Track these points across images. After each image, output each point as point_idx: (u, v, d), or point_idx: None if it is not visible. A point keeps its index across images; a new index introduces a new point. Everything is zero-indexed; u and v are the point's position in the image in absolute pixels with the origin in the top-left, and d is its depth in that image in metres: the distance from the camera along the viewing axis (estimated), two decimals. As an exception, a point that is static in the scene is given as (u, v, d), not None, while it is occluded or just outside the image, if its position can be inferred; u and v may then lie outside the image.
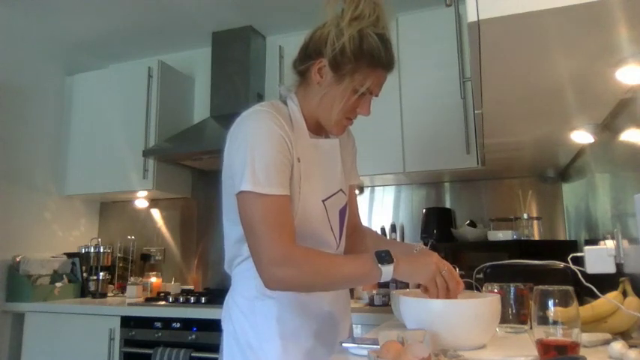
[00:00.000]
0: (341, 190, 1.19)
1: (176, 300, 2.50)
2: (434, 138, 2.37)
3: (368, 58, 1.06)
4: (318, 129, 1.17)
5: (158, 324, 2.34)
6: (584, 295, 1.23)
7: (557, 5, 0.80)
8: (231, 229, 1.10)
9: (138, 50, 3.26)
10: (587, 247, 1.27)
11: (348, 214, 1.25)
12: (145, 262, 3.16)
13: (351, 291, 2.34)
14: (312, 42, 1.11)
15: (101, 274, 2.85)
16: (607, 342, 0.97)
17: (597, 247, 1.27)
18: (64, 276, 2.86)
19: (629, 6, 0.80)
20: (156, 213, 3.26)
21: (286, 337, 1.07)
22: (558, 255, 1.33)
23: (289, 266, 0.96)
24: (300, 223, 1.06)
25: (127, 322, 2.39)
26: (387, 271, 0.96)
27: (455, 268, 1.74)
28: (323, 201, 1.13)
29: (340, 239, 1.20)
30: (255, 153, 1.00)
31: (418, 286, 1.06)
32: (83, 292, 2.87)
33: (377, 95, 1.14)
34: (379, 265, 0.96)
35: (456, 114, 2.32)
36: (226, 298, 1.18)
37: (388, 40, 1.09)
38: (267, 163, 1.00)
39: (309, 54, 1.11)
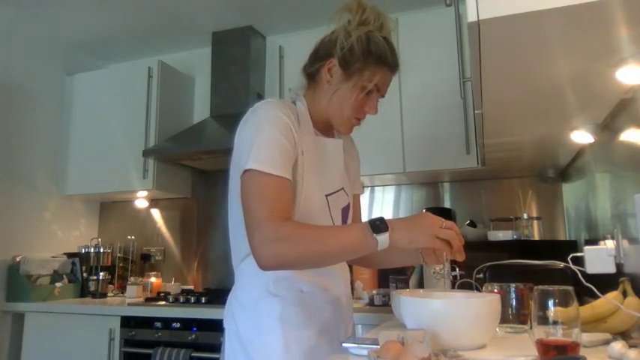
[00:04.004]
0: (343, 189, 1.22)
1: (176, 300, 2.50)
2: (434, 138, 2.37)
3: (375, 56, 1.13)
4: (324, 130, 1.21)
5: (158, 324, 2.34)
6: (584, 295, 1.23)
7: (557, 5, 0.80)
8: (237, 222, 1.11)
9: (138, 50, 3.26)
10: (587, 247, 1.27)
11: (351, 215, 1.27)
12: (145, 262, 3.16)
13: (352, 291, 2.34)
14: (322, 46, 1.19)
15: (101, 274, 2.85)
16: (607, 342, 0.97)
17: (597, 247, 1.27)
18: (64, 276, 2.86)
19: (629, 6, 0.80)
20: (156, 213, 3.26)
21: (289, 335, 1.08)
22: (558, 255, 1.33)
23: (280, 241, 0.96)
24: (302, 215, 1.08)
25: (127, 322, 2.39)
26: (383, 240, 0.94)
27: (455, 269, 1.74)
28: (326, 196, 1.16)
29: None
30: (260, 135, 1.04)
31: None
32: (83, 292, 2.87)
33: (383, 95, 1.19)
34: (374, 234, 0.94)
35: (456, 114, 2.32)
36: (229, 296, 1.19)
37: (392, 44, 1.18)
38: (271, 146, 1.03)
39: (319, 57, 1.18)
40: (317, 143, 1.16)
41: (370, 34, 1.13)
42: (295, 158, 1.08)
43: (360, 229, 0.97)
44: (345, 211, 1.22)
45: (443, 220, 0.99)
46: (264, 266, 0.97)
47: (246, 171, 1.02)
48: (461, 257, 1.01)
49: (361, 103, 1.15)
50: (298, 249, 0.97)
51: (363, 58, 1.12)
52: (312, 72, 1.20)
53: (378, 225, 0.95)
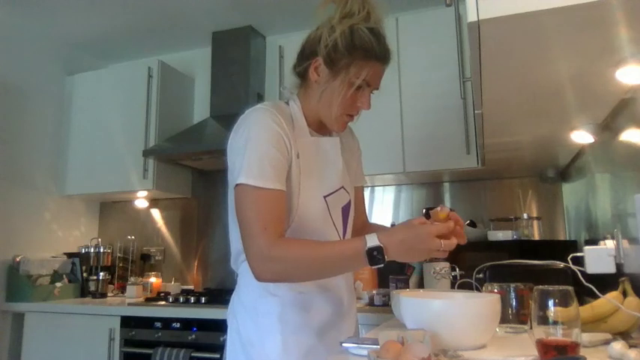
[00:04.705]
0: (343, 187, 1.20)
1: (176, 300, 2.50)
2: (434, 138, 2.36)
3: (360, 50, 1.09)
4: (319, 129, 1.19)
5: (158, 324, 2.33)
6: (584, 295, 1.23)
7: (557, 5, 0.80)
8: (236, 225, 1.10)
9: (138, 50, 3.26)
10: (587, 247, 1.26)
11: (352, 212, 1.25)
12: (145, 262, 3.16)
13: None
14: (307, 44, 1.16)
15: (101, 274, 2.85)
16: (607, 342, 0.97)
17: (597, 247, 1.27)
18: (64, 276, 2.86)
19: (629, 6, 0.80)
20: (156, 213, 3.26)
21: (287, 334, 1.08)
22: (558, 255, 1.33)
23: (273, 260, 0.98)
24: (301, 218, 1.08)
25: (127, 322, 2.39)
26: (378, 267, 0.96)
27: (455, 269, 1.74)
28: (325, 197, 1.14)
29: (344, 237, 1.21)
30: (251, 148, 1.03)
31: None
32: (83, 292, 2.87)
33: (377, 88, 1.16)
34: (370, 265, 0.95)
35: (456, 114, 2.32)
36: (232, 295, 1.20)
37: (380, 34, 1.12)
38: (262, 158, 1.02)
39: (305, 55, 1.15)
40: (313, 144, 1.15)
41: (354, 27, 1.08)
42: (289, 165, 1.07)
43: (355, 252, 0.96)
44: (345, 210, 1.21)
45: (442, 241, 0.94)
46: (259, 280, 1.00)
47: (238, 185, 1.02)
48: (462, 241, 0.99)
49: (352, 100, 1.12)
50: (292, 269, 0.99)
51: (348, 53, 1.08)
52: (300, 71, 1.18)
53: (375, 256, 0.94)
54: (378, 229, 1.33)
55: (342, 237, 1.19)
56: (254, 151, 1.03)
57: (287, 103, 1.19)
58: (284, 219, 1.04)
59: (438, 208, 0.99)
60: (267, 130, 1.05)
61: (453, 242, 0.96)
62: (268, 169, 1.02)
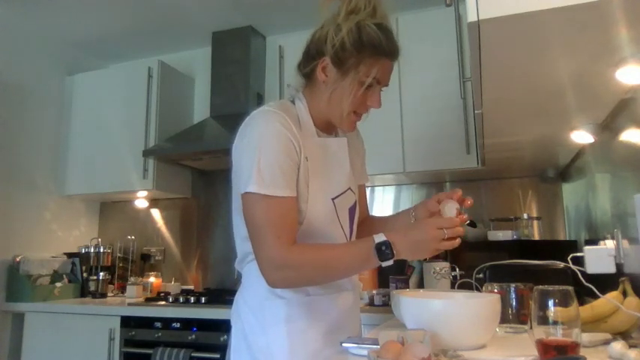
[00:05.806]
0: (350, 188, 1.19)
1: (176, 300, 2.50)
2: (434, 138, 2.36)
3: (369, 48, 1.06)
4: (326, 128, 1.17)
5: (158, 324, 2.33)
6: (584, 295, 1.23)
7: (557, 5, 0.80)
8: (242, 226, 1.10)
9: (138, 50, 3.26)
10: (587, 247, 1.26)
11: (357, 212, 1.25)
12: (145, 262, 3.16)
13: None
14: (312, 43, 1.12)
15: (101, 274, 2.85)
16: (607, 342, 0.97)
17: (597, 247, 1.27)
18: (64, 276, 2.86)
19: (629, 6, 0.80)
20: (156, 213, 3.26)
21: (294, 337, 1.08)
22: (558, 255, 1.33)
23: (287, 268, 0.98)
24: (310, 221, 1.07)
25: (127, 322, 2.39)
26: (387, 264, 0.97)
27: (455, 268, 1.74)
28: (333, 199, 1.13)
29: (350, 238, 1.20)
30: (261, 154, 1.01)
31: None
32: (83, 292, 2.87)
33: (386, 85, 1.13)
34: (380, 261, 0.97)
35: (456, 114, 2.32)
36: (236, 295, 1.19)
37: (388, 29, 1.09)
38: (272, 165, 1.00)
39: (311, 55, 1.12)
40: (321, 145, 1.13)
41: (361, 24, 1.05)
42: (298, 167, 1.06)
43: (365, 252, 0.98)
44: (352, 211, 1.21)
45: (445, 228, 0.98)
46: (272, 287, 1.02)
47: (248, 192, 1.00)
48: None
49: (362, 99, 1.09)
50: (305, 275, 1.01)
51: (357, 52, 1.04)
52: (307, 72, 1.14)
53: (384, 251, 0.96)
54: (379, 222, 1.33)
55: (348, 237, 1.18)
56: (264, 157, 1.00)
57: (292, 102, 1.16)
58: (296, 225, 1.04)
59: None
60: (276, 135, 1.02)
61: (458, 230, 1.00)
62: (279, 176, 1.00)
